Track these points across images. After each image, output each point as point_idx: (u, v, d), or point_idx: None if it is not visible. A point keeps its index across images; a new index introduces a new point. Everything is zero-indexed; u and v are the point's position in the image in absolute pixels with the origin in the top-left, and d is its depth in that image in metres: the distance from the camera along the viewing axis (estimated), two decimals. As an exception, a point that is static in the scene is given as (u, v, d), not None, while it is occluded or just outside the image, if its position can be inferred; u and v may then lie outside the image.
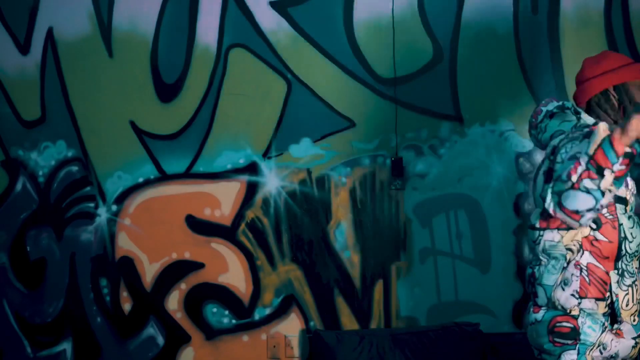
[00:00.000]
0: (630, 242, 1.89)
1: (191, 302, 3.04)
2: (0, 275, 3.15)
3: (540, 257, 1.92)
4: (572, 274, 1.87)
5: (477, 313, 2.92)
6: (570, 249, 1.88)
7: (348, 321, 2.99)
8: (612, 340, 1.88)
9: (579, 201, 1.72)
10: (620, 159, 1.68)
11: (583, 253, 1.87)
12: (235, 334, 3.03)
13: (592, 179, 1.70)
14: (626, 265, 1.89)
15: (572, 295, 1.86)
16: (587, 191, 1.71)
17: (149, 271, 3.06)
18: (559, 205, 1.76)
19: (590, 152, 1.70)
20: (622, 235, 1.88)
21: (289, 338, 3.01)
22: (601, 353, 1.87)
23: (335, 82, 2.98)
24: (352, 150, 2.98)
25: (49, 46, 3.12)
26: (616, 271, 1.88)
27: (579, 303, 1.86)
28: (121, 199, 3.07)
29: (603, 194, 1.71)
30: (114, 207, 3.08)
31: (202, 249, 3.03)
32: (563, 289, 1.87)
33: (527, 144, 2.92)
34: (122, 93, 3.07)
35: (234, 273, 3.02)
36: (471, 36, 2.94)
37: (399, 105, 2.97)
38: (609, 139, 1.69)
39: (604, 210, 1.86)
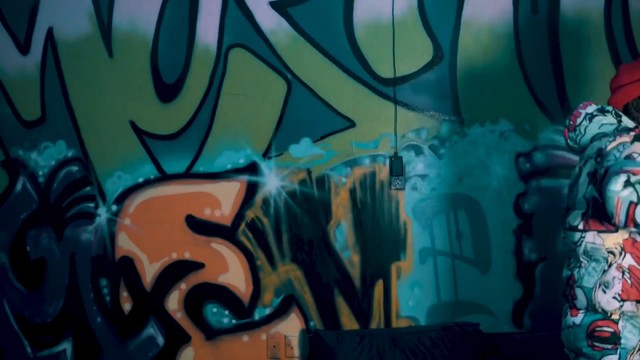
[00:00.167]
0: None
1: (191, 302, 3.04)
2: (0, 275, 3.15)
3: (581, 259, 1.93)
4: (614, 277, 1.87)
5: (477, 313, 2.93)
6: (611, 252, 1.88)
7: (348, 321, 2.98)
8: None
9: None
10: None
11: (625, 255, 1.88)
12: (235, 334, 3.03)
13: None
14: None
15: (614, 298, 1.86)
16: None
17: (149, 271, 3.06)
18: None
19: None
20: None
21: (289, 338, 3.01)
22: None
23: (335, 82, 2.98)
24: (352, 150, 2.98)
25: (49, 46, 3.12)
26: None
27: (621, 306, 1.86)
28: (121, 199, 3.07)
29: None
30: (114, 207, 3.08)
31: (202, 249, 3.03)
32: (604, 292, 1.88)
33: (527, 144, 2.92)
34: (122, 93, 3.07)
35: (234, 273, 3.02)
36: (471, 36, 2.94)
37: (399, 105, 2.97)
38: None
39: None
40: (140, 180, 3.07)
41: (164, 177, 3.06)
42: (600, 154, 1.90)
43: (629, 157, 1.79)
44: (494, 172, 2.94)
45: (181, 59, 3.05)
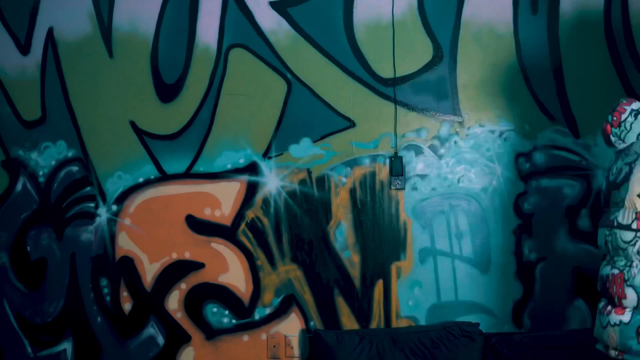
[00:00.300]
0: None
1: (191, 302, 3.05)
2: (1, 275, 3.15)
3: (634, 259, 1.92)
4: None
5: (477, 313, 2.93)
6: None
7: (348, 321, 2.99)
8: None
9: None
10: None
11: None
12: (236, 334, 3.03)
13: None
14: None
15: None
16: None
17: (149, 271, 3.06)
18: None
19: None
20: None
21: (289, 338, 3.01)
22: None
23: (335, 82, 2.98)
24: (352, 150, 2.98)
25: (49, 46, 3.12)
26: None
27: None
28: (121, 199, 3.08)
29: None
30: (114, 207, 3.08)
31: (202, 249, 3.04)
32: None
33: (527, 144, 2.92)
34: (122, 93, 3.08)
35: (234, 273, 3.03)
36: (471, 36, 2.94)
37: (399, 105, 2.97)
38: None
39: None
40: (141, 180, 3.07)
41: (164, 177, 3.06)
42: None
43: None
44: (493, 172, 2.94)
45: (181, 59, 3.05)
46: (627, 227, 1.92)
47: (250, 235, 3.02)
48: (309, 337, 2.98)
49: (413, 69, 2.96)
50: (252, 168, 3.01)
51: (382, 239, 2.97)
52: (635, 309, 1.90)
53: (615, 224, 1.97)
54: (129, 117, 3.08)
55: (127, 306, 3.08)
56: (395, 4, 2.96)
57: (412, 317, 2.97)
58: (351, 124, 2.98)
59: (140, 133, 3.07)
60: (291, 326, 3.01)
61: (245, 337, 3.03)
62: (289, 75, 3.00)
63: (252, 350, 3.02)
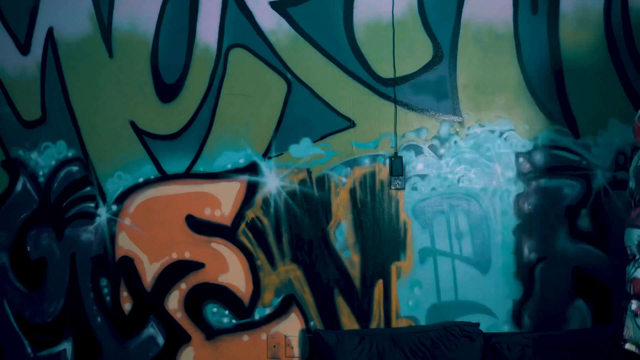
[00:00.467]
0: None
1: (191, 302, 3.04)
2: (1, 275, 3.15)
3: None
4: None
5: (477, 313, 2.93)
6: None
7: (348, 321, 2.99)
8: None
9: None
10: None
11: None
12: (236, 334, 3.03)
13: None
14: None
15: None
16: None
17: (149, 271, 3.06)
18: None
19: None
20: None
21: (289, 338, 3.01)
22: None
23: (335, 82, 2.98)
24: (352, 150, 2.98)
25: (49, 46, 3.12)
26: None
27: None
28: (121, 199, 3.08)
29: None
30: (114, 207, 3.08)
31: (202, 249, 3.04)
32: None
33: (527, 144, 2.92)
34: (122, 93, 3.08)
35: (234, 273, 3.03)
36: (471, 36, 2.94)
37: (399, 105, 2.97)
38: None
39: None
40: (141, 180, 3.07)
41: (164, 177, 3.06)
42: None
43: None
44: (494, 172, 2.94)
45: (181, 59, 3.05)
46: None
47: (250, 235, 3.02)
48: (309, 337, 2.98)
49: (413, 69, 2.96)
50: (252, 168, 3.01)
51: (382, 239, 2.97)
52: None
53: None
54: (129, 117, 3.08)
55: (127, 306, 3.08)
56: (395, 4, 2.96)
57: (412, 317, 2.97)
58: (351, 124, 2.98)
59: (140, 133, 3.07)
60: (291, 326, 3.01)
61: (245, 337, 3.03)
62: (289, 75, 3.00)
63: (252, 350, 3.02)
